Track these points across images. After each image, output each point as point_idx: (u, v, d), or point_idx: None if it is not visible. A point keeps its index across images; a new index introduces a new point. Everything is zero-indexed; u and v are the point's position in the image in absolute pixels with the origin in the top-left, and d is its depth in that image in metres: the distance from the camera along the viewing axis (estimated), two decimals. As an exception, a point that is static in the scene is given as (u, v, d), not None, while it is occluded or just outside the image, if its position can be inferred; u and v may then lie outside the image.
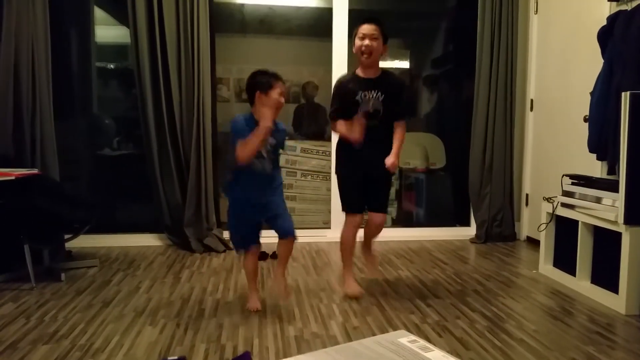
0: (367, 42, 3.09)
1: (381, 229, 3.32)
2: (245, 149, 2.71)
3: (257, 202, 2.86)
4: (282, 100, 2.82)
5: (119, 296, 3.17)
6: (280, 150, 3.02)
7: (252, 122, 2.78)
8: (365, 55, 3.10)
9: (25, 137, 3.95)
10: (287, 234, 2.94)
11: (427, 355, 1.16)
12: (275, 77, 2.83)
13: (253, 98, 2.82)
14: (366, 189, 3.21)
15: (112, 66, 5.16)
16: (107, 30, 5.06)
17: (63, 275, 3.46)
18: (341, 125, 3.13)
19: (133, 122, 4.48)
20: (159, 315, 2.85)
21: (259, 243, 3.00)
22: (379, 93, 3.10)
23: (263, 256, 4.02)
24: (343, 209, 3.25)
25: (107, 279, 3.52)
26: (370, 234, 3.38)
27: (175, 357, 2.32)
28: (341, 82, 3.24)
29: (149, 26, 4.17)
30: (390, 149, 3.14)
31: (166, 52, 4.19)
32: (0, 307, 2.96)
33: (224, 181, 3.04)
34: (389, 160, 3.08)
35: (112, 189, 4.87)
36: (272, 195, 2.91)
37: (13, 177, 3.28)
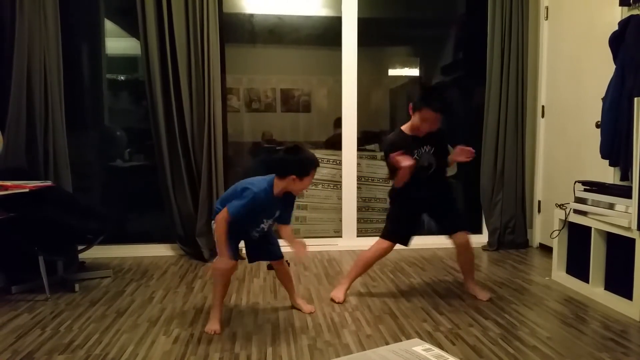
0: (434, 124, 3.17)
1: (470, 248, 3.33)
2: (218, 231, 2.72)
3: (247, 238, 2.95)
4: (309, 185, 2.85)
5: (132, 306, 3.18)
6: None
7: (270, 198, 2.74)
8: (428, 129, 3.18)
9: (38, 149, 3.99)
10: (278, 258, 3.02)
11: (442, 363, 1.16)
12: (315, 163, 2.78)
13: (286, 174, 2.71)
14: (436, 217, 3.45)
15: (122, 78, 5.20)
16: (118, 42, 5.10)
17: (77, 286, 3.49)
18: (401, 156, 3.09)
19: (144, 133, 4.50)
20: (173, 325, 2.87)
21: (237, 259, 2.87)
22: (430, 147, 3.21)
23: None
24: (384, 236, 3.30)
25: (121, 289, 3.54)
26: (463, 259, 3.40)
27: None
28: (395, 142, 3.21)
29: (159, 37, 4.21)
30: (446, 186, 3.40)
31: (177, 63, 4.22)
32: (16, 318, 2.99)
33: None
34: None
35: (124, 200, 4.89)
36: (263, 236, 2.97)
37: (27, 190, 3.31)
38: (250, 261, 3.11)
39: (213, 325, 2.77)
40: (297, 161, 2.74)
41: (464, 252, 3.35)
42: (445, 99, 3.19)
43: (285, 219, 2.92)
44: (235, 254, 2.84)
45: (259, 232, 2.90)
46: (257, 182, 2.76)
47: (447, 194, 3.39)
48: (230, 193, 2.83)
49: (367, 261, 3.34)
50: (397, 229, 3.29)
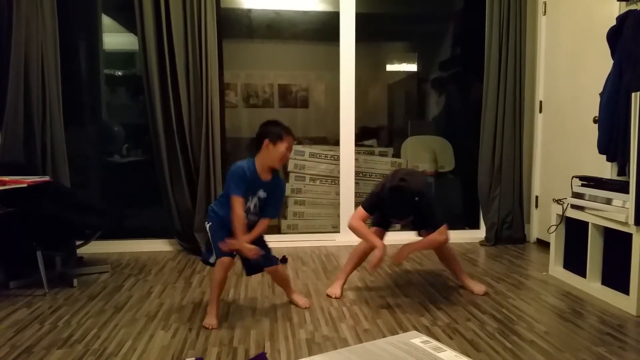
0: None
1: (441, 245, 3.23)
2: (234, 219, 2.79)
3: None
4: (288, 155, 2.86)
5: (130, 301, 3.19)
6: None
7: (253, 174, 2.83)
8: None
9: (36, 144, 3.99)
10: (273, 264, 3.03)
11: (440, 355, 1.16)
12: (287, 130, 2.85)
13: (260, 145, 2.83)
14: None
15: (120, 73, 5.19)
16: (115, 38, 5.09)
17: (75, 281, 3.49)
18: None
19: (142, 128, 4.50)
20: (171, 319, 2.87)
21: (233, 256, 2.89)
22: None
23: (283, 259, 4.05)
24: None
25: (119, 284, 3.54)
26: (442, 258, 3.42)
27: (193, 359, 2.33)
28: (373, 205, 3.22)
29: (157, 33, 4.20)
30: None
31: (174, 59, 4.22)
32: (14, 313, 2.99)
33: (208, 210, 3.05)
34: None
35: (122, 196, 4.89)
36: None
37: (25, 185, 3.31)
38: (249, 273, 3.16)
39: (210, 320, 2.79)
40: (269, 128, 2.85)
41: (440, 250, 3.35)
42: (403, 206, 3.03)
43: (269, 209, 2.95)
44: (231, 252, 2.87)
45: (253, 212, 2.91)
46: (238, 163, 2.89)
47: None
48: (222, 194, 2.98)
49: (363, 252, 3.32)
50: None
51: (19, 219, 3.38)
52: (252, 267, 3.05)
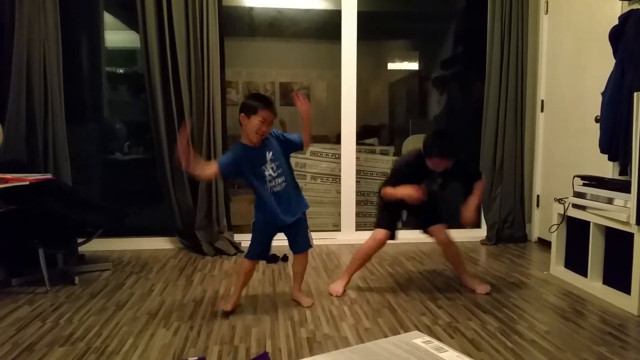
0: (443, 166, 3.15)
1: (450, 242, 3.36)
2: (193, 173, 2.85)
3: (282, 224, 2.95)
4: (264, 128, 2.82)
5: (132, 299, 3.19)
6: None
7: (245, 149, 2.87)
8: (441, 169, 3.19)
9: (38, 142, 3.99)
10: (302, 250, 3.09)
11: (442, 355, 1.17)
12: (265, 104, 2.83)
13: (239, 116, 2.87)
14: (414, 212, 3.40)
15: (122, 71, 5.20)
16: (117, 35, 5.09)
17: (77, 279, 3.50)
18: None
19: (143, 126, 4.51)
20: (172, 317, 2.88)
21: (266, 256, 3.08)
22: (440, 179, 3.26)
23: (274, 259, 4.05)
24: (377, 225, 3.34)
25: (120, 282, 3.55)
26: (447, 255, 3.45)
27: (194, 358, 2.34)
28: (410, 163, 3.28)
29: (159, 30, 4.20)
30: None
31: (176, 56, 4.22)
32: (16, 310, 3.00)
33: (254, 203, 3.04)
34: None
35: (123, 193, 4.89)
36: (295, 216, 2.98)
37: (27, 183, 3.31)
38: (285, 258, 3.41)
39: (230, 304, 2.95)
40: (246, 101, 2.89)
41: (446, 247, 3.39)
42: (449, 145, 3.13)
43: (293, 143, 2.98)
44: (262, 254, 3.03)
45: (272, 181, 2.89)
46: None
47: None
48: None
49: (366, 253, 3.34)
50: (385, 218, 3.33)
51: (21, 217, 3.39)
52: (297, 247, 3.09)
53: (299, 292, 3.17)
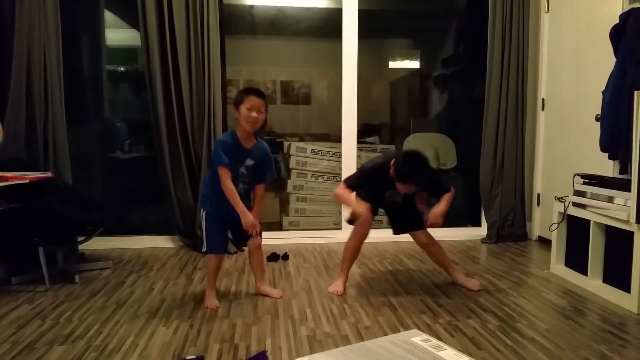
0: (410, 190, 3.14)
1: (433, 243, 3.40)
2: (225, 192, 2.89)
3: (234, 217, 2.97)
4: (253, 114, 2.85)
5: (132, 297, 3.19)
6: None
7: (236, 142, 2.92)
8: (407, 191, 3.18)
9: (38, 140, 3.99)
10: (258, 246, 3.16)
11: (440, 354, 1.17)
12: (249, 90, 2.90)
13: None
14: (391, 216, 3.46)
15: (122, 69, 5.20)
16: (118, 33, 5.09)
17: (77, 277, 3.50)
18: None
19: (144, 124, 4.51)
20: (173, 316, 2.88)
21: (225, 252, 3.17)
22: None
23: (274, 257, 4.05)
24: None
25: (121, 280, 3.55)
26: (432, 256, 3.47)
27: (193, 357, 2.33)
28: (370, 174, 3.23)
29: (160, 29, 4.20)
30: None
31: (177, 54, 4.21)
32: (16, 309, 3.00)
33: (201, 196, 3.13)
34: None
35: (124, 192, 4.90)
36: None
37: (27, 181, 3.31)
38: (239, 245, 3.46)
39: (211, 301, 3.01)
40: (235, 96, 2.96)
41: (429, 248, 3.42)
42: (420, 174, 3.00)
43: (264, 173, 3.07)
44: (224, 246, 3.10)
45: (243, 181, 2.99)
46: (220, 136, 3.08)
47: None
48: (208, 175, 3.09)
49: (354, 247, 3.32)
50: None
51: (21, 215, 3.38)
52: (241, 239, 3.13)
53: (264, 285, 3.23)
